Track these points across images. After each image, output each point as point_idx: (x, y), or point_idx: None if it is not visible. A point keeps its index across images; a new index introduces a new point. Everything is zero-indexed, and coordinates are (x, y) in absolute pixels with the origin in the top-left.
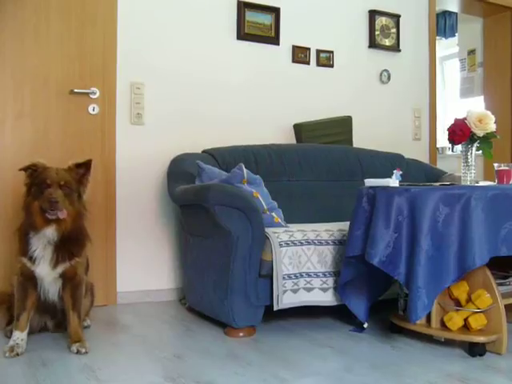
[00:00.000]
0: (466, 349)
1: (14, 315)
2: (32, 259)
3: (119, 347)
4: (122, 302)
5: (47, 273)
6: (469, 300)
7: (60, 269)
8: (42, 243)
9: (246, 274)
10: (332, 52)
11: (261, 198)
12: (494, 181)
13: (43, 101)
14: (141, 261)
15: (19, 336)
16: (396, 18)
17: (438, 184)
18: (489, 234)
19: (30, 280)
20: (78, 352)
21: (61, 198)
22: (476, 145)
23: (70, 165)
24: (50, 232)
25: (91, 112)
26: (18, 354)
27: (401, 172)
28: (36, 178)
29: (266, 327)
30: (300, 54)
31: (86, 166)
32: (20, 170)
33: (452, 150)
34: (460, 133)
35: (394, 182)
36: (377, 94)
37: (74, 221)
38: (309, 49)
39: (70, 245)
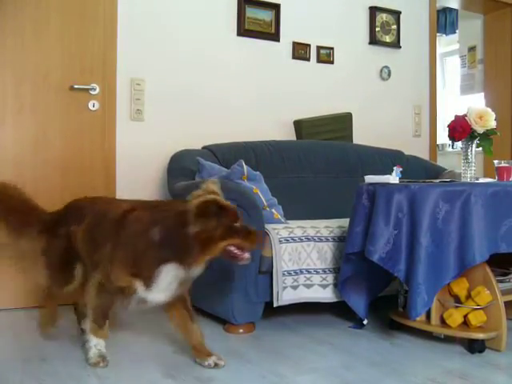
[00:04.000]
0: (465, 345)
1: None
2: (149, 288)
3: (119, 343)
4: None
5: (159, 300)
6: (468, 297)
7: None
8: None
9: (245, 271)
10: (332, 48)
11: (260, 195)
12: (494, 178)
13: (43, 97)
14: None
15: (103, 344)
16: (396, 14)
17: (437, 181)
18: (489, 230)
19: (123, 295)
20: (216, 366)
21: None
22: (476, 141)
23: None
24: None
25: (91, 108)
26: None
27: (401, 169)
28: None
29: (265, 324)
30: (300, 51)
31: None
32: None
33: (452, 147)
34: (460, 129)
35: (394, 178)
36: (377, 91)
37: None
38: (309, 45)
39: None
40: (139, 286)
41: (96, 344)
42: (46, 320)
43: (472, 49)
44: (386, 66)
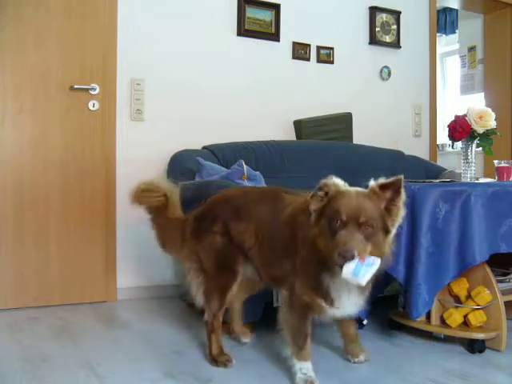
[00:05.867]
0: (465, 345)
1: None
2: (331, 303)
3: (119, 343)
4: (122, 298)
5: (348, 314)
6: (468, 297)
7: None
8: (343, 289)
9: None
10: (332, 48)
11: None
12: (494, 178)
13: (43, 97)
14: (141, 257)
15: (308, 367)
16: (396, 14)
17: (437, 181)
18: (489, 230)
19: (315, 313)
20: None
21: (358, 245)
22: (476, 142)
23: (374, 187)
24: None
25: (91, 108)
26: None
27: None
28: (327, 206)
29: (265, 324)
30: (300, 51)
31: (394, 187)
32: (310, 197)
33: (452, 147)
34: (460, 129)
35: None
36: (377, 91)
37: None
38: (309, 45)
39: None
40: None
41: (301, 368)
42: (219, 348)
43: (472, 49)
44: (386, 66)
